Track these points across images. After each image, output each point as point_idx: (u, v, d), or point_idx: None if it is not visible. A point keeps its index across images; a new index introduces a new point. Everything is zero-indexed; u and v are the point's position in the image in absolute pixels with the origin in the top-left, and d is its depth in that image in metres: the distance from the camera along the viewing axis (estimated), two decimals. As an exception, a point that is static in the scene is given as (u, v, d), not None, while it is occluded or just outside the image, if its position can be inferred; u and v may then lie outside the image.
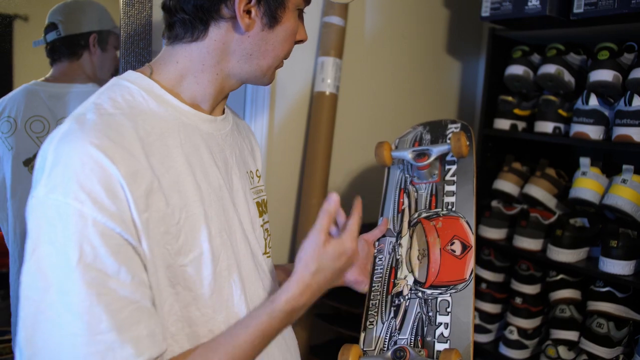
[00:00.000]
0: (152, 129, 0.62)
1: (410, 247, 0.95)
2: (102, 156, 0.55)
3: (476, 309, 1.56)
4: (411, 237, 0.96)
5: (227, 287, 0.68)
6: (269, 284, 0.78)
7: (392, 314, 0.88)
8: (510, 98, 1.56)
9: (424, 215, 0.98)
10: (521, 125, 1.57)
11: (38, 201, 0.55)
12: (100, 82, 1.26)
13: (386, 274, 0.94)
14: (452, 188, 0.99)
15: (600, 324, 1.31)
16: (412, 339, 0.84)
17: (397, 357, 0.78)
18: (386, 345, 0.85)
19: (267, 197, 0.90)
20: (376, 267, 0.96)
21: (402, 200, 1.02)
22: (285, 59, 0.75)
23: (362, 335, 0.87)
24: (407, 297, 0.89)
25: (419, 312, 0.86)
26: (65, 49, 1.22)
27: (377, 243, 1.00)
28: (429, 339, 0.83)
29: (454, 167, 1.02)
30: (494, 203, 1.56)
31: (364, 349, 0.85)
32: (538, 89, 1.55)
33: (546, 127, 1.47)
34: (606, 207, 1.32)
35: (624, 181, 1.30)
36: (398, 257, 0.95)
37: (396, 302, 0.89)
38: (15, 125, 1.16)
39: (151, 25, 1.14)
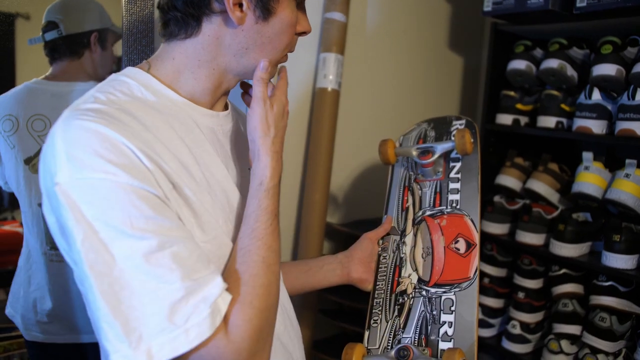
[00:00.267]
0: (152, 122, 0.62)
1: (414, 246, 0.95)
2: (110, 131, 0.56)
3: (479, 304, 1.56)
4: (415, 235, 0.96)
5: None
6: None
7: (396, 313, 0.88)
8: (512, 93, 1.56)
9: (428, 213, 0.98)
10: (524, 120, 1.57)
11: (65, 187, 0.54)
12: (101, 79, 1.26)
13: (390, 272, 0.94)
14: (457, 186, 0.99)
15: (603, 318, 1.31)
16: (416, 337, 0.84)
17: (400, 357, 0.78)
18: (390, 344, 0.85)
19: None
20: (380, 266, 0.96)
21: (406, 198, 1.02)
22: (289, 51, 0.74)
23: (366, 333, 0.88)
24: (411, 296, 0.89)
25: (423, 311, 0.86)
26: (67, 48, 1.21)
27: (381, 241, 1.00)
28: (432, 337, 0.83)
29: (458, 165, 1.01)
30: (497, 198, 1.56)
31: (368, 348, 0.86)
32: (541, 83, 1.55)
33: (549, 121, 1.46)
34: (609, 201, 1.32)
35: (626, 175, 1.30)
36: (402, 255, 0.95)
37: (400, 300, 0.89)
38: (17, 124, 1.16)
39: (153, 22, 1.13)
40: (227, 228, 0.68)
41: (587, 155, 1.39)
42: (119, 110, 0.60)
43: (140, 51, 1.11)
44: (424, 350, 0.82)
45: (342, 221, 1.62)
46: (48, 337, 1.18)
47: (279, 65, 0.76)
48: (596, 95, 1.35)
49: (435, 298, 0.87)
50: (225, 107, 0.77)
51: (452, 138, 1.02)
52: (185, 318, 0.54)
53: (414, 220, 0.98)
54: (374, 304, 0.91)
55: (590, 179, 1.37)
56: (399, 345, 0.80)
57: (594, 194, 1.36)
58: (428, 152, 1.00)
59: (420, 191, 1.02)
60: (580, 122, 1.37)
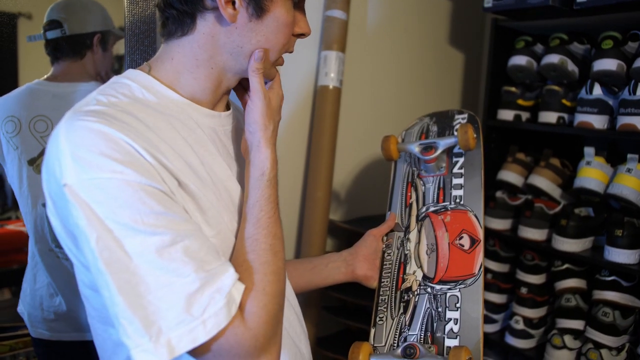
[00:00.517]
0: (154, 123, 0.62)
1: (418, 242, 0.95)
2: (113, 130, 0.56)
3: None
4: (419, 231, 0.96)
5: None
6: None
7: (401, 310, 0.88)
8: (513, 89, 1.56)
9: (432, 209, 0.98)
10: (525, 115, 1.57)
11: (74, 188, 0.55)
12: (101, 80, 1.26)
13: (395, 269, 0.94)
14: (460, 181, 0.99)
15: (606, 312, 1.31)
16: (422, 334, 0.84)
17: (407, 355, 0.79)
18: (396, 341, 0.85)
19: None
20: (385, 263, 0.96)
21: (409, 194, 1.02)
22: (287, 52, 0.73)
23: (372, 331, 0.88)
24: (416, 293, 0.89)
25: (428, 308, 0.86)
26: (70, 48, 1.21)
27: (385, 238, 1.00)
28: (438, 334, 0.83)
29: (461, 160, 1.01)
30: (499, 194, 1.56)
31: (374, 345, 0.86)
32: (541, 79, 1.55)
33: (550, 117, 1.46)
34: (611, 196, 1.32)
35: (628, 170, 1.30)
36: (407, 252, 0.95)
37: (405, 297, 0.89)
38: (19, 125, 1.16)
39: (155, 23, 1.13)
40: (232, 226, 0.68)
41: (589, 151, 1.39)
42: (121, 112, 0.60)
43: (142, 51, 1.11)
44: (430, 347, 0.82)
45: (345, 218, 1.62)
46: (54, 334, 1.18)
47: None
48: (597, 90, 1.35)
49: (440, 295, 0.87)
50: (227, 108, 0.77)
51: (455, 133, 1.02)
52: (202, 309, 0.55)
53: (417, 216, 0.98)
54: (379, 301, 0.91)
55: (592, 174, 1.37)
56: (405, 344, 0.80)
57: (596, 189, 1.36)
58: (431, 148, 1.00)
59: (423, 187, 1.02)
60: (581, 118, 1.37)
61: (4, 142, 1.17)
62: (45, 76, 1.22)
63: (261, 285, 0.62)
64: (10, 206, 1.42)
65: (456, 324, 0.83)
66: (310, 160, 1.45)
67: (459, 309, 0.85)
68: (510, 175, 1.55)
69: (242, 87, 0.76)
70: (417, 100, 1.74)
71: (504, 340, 1.54)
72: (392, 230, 1.00)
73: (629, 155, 1.32)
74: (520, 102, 1.56)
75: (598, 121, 1.35)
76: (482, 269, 0.87)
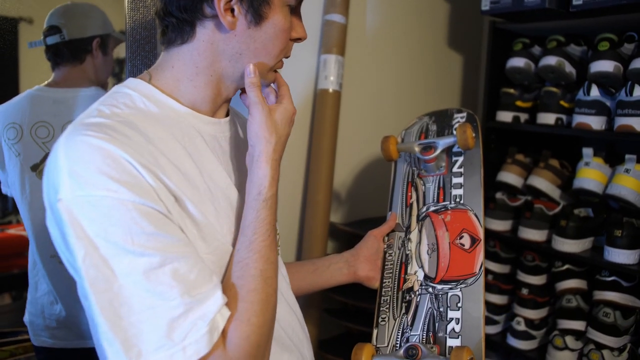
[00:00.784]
0: (155, 133, 0.63)
1: (419, 242, 0.95)
2: (112, 147, 0.56)
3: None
4: (420, 231, 0.97)
5: None
6: (280, 279, 0.79)
7: (403, 310, 0.88)
8: (512, 90, 1.57)
9: (432, 208, 0.98)
10: (523, 117, 1.58)
11: (67, 203, 0.55)
12: (101, 84, 1.26)
13: (396, 269, 0.94)
14: (460, 180, 0.99)
15: (607, 313, 1.32)
16: (424, 335, 0.84)
17: (409, 356, 0.79)
18: (398, 342, 0.85)
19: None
20: (386, 263, 0.96)
21: (409, 194, 1.03)
22: (285, 57, 0.74)
23: (375, 331, 0.88)
24: (417, 293, 0.89)
25: (430, 308, 0.87)
26: (69, 53, 1.22)
27: (386, 238, 1.00)
28: (440, 334, 0.83)
29: (460, 159, 1.02)
30: (498, 195, 1.57)
31: (377, 346, 0.86)
32: (539, 80, 1.56)
33: (548, 118, 1.47)
34: (610, 196, 1.33)
35: (626, 171, 1.31)
36: (408, 252, 0.95)
37: (407, 298, 0.90)
38: (21, 132, 1.17)
39: (155, 28, 1.14)
40: (232, 237, 0.68)
41: (587, 151, 1.40)
42: (122, 123, 0.60)
43: (143, 57, 1.12)
44: (432, 347, 0.82)
45: (346, 220, 1.63)
46: (56, 342, 1.18)
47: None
48: (594, 92, 1.36)
49: (441, 295, 0.87)
50: (227, 115, 0.77)
51: (454, 132, 1.03)
52: (183, 335, 0.55)
53: (418, 216, 0.99)
54: (381, 302, 0.91)
55: (591, 174, 1.38)
56: (408, 344, 0.80)
57: (595, 189, 1.37)
58: (430, 148, 1.01)
59: (423, 187, 1.02)
60: (579, 119, 1.38)
61: (6, 149, 1.18)
62: (46, 82, 1.22)
63: (246, 315, 0.61)
64: (10, 210, 1.42)
65: (458, 323, 0.84)
66: (311, 163, 1.46)
67: (461, 309, 0.85)
68: (510, 176, 1.56)
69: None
70: (417, 103, 1.75)
71: (505, 341, 1.54)
72: (393, 231, 1.00)
73: (627, 156, 1.33)
74: (518, 103, 1.57)
75: (596, 122, 1.36)
76: (482, 268, 0.88)
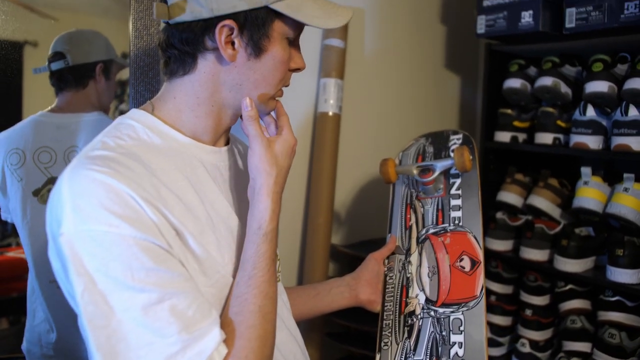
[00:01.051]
0: (157, 164, 0.64)
1: (420, 265, 0.95)
2: (115, 181, 0.57)
3: (487, 322, 1.55)
4: (420, 254, 0.97)
5: None
6: (281, 306, 0.79)
7: (406, 334, 0.88)
8: (509, 111, 1.58)
9: (431, 231, 0.99)
10: (521, 136, 1.59)
11: (70, 237, 0.56)
12: (104, 109, 1.28)
13: (398, 292, 0.94)
14: (458, 202, 1.00)
15: (612, 334, 1.30)
16: (428, 359, 0.84)
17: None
18: (402, 366, 0.85)
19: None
20: (387, 286, 0.96)
21: (409, 216, 1.03)
22: (284, 86, 0.76)
23: (378, 356, 0.88)
24: (419, 317, 0.89)
25: (432, 332, 0.86)
26: (73, 78, 1.24)
27: (386, 261, 1.00)
28: (444, 359, 0.83)
29: (458, 181, 1.03)
30: (499, 215, 1.57)
31: (380, 369, 0.86)
32: (536, 100, 1.57)
33: (546, 138, 1.48)
34: (610, 215, 1.33)
35: (625, 189, 1.31)
36: (408, 275, 0.95)
37: (409, 321, 0.89)
38: (24, 157, 1.18)
39: (159, 55, 1.16)
40: (233, 267, 0.69)
41: (586, 170, 1.40)
42: (126, 155, 0.62)
43: (147, 83, 1.14)
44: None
45: (347, 242, 1.63)
46: (53, 371, 1.17)
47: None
48: (590, 112, 1.37)
49: (443, 318, 0.87)
50: (227, 142, 0.79)
51: (451, 154, 1.04)
52: None
53: (417, 238, 0.99)
54: (384, 326, 0.91)
55: (590, 193, 1.38)
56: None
57: (595, 208, 1.37)
58: (428, 170, 1.02)
59: (422, 209, 1.03)
60: (576, 138, 1.39)
61: (8, 175, 1.18)
62: (50, 107, 1.24)
63: (244, 352, 0.61)
64: (10, 232, 1.42)
65: (461, 347, 0.83)
66: (312, 186, 1.46)
67: (463, 332, 0.84)
68: (510, 196, 1.56)
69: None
70: (416, 125, 1.76)
71: (510, 363, 1.52)
72: (393, 253, 1.01)
73: (625, 175, 1.33)
74: (516, 123, 1.58)
75: (593, 142, 1.37)
76: (483, 290, 0.88)
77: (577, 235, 1.39)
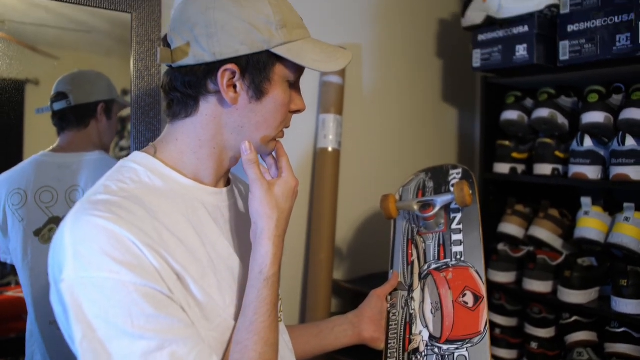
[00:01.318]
0: (159, 207, 0.65)
1: (422, 301, 0.95)
2: (117, 227, 0.58)
3: (493, 356, 1.53)
4: (423, 290, 0.96)
5: None
6: (283, 346, 0.78)
7: (410, 372, 0.87)
8: (507, 142, 1.60)
9: (433, 266, 0.98)
10: (520, 168, 1.60)
11: (71, 283, 0.56)
12: (105, 148, 1.29)
13: (401, 329, 0.93)
14: (459, 237, 1.00)
15: (620, 366, 1.28)
16: (433, 397, 0.83)
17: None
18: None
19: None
20: (390, 323, 0.95)
21: (410, 251, 1.03)
22: (285, 127, 0.77)
23: (382, 395, 0.86)
24: (424, 354, 0.88)
25: (437, 369, 0.85)
26: (75, 118, 1.25)
27: (389, 297, 1.00)
28: (449, 396, 0.82)
29: (459, 215, 1.03)
30: (500, 246, 1.56)
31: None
32: (533, 132, 1.59)
33: (545, 169, 1.49)
34: (612, 245, 1.32)
35: (626, 219, 1.31)
36: (412, 311, 0.95)
37: (413, 359, 0.88)
38: (25, 197, 1.18)
39: (160, 95, 1.18)
40: (234, 309, 0.69)
41: (586, 201, 1.40)
42: (128, 199, 0.62)
43: (148, 123, 1.16)
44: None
45: (349, 277, 1.61)
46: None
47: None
48: (588, 142, 1.38)
49: (448, 355, 0.86)
50: (228, 182, 0.79)
51: (451, 189, 1.04)
52: None
53: (420, 274, 0.99)
54: (387, 364, 0.90)
55: (591, 223, 1.38)
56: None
57: (597, 238, 1.36)
58: (429, 206, 1.02)
59: (424, 244, 1.03)
60: (575, 169, 1.40)
61: (10, 215, 1.19)
62: (51, 147, 1.25)
63: None
64: (9, 271, 1.42)
65: (466, 385, 0.82)
66: (312, 222, 1.46)
67: (468, 370, 0.83)
68: (511, 227, 1.56)
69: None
70: (415, 157, 1.78)
71: (518, 398, 1.49)
72: (395, 289, 1.00)
73: (625, 204, 1.33)
74: (514, 155, 1.60)
75: (592, 172, 1.38)
76: (487, 326, 0.87)
77: (579, 265, 1.38)
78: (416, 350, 0.89)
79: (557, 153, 1.49)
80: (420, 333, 0.91)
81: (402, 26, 1.73)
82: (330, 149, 1.46)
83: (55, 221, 1.19)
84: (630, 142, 1.29)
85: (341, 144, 1.50)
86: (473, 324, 0.88)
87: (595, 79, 1.44)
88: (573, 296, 1.36)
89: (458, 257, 0.97)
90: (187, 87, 0.69)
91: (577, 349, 1.39)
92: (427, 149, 1.83)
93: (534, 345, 1.47)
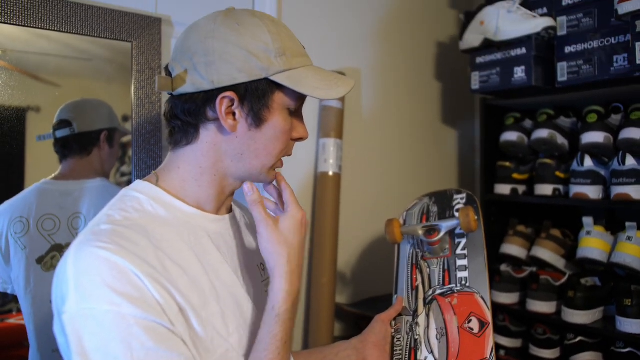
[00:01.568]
0: (162, 236, 0.65)
1: (427, 326, 0.94)
2: (120, 259, 0.58)
3: (497, 379, 1.51)
4: (428, 315, 0.96)
5: None
6: None
7: (417, 401, 0.86)
8: (507, 163, 1.60)
9: (438, 291, 0.98)
10: (521, 188, 1.60)
11: (72, 315, 0.56)
12: (106, 175, 1.29)
13: (406, 355, 0.92)
14: (464, 262, 1.00)
15: (627, 388, 1.27)
16: None
17: None
18: None
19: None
20: (395, 348, 0.95)
21: (415, 276, 1.03)
22: (286, 155, 0.76)
23: None
24: (430, 382, 0.87)
25: (444, 397, 0.84)
26: (78, 145, 1.25)
27: (393, 322, 0.99)
28: None
29: (464, 241, 1.03)
30: (503, 267, 1.56)
31: None
32: (533, 152, 1.60)
33: (546, 189, 1.50)
34: (615, 265, 1.32)
35: (629, 238, 1.31)
36: (416, 337, 0.94)
37: (420, 387, 0.87)
38: (27, 225, 1.18)
39: (161, 123, 1.19)
40: (238, 336, 0.68)
41: (588, 221, 1.41)
42: (131, 229, 0.63)
43: (149, 150, 1.16)
44: None
45: (351, 300, 1.61)
46: None
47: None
48: (588, 162, 1.39)
49: (454, 382, 0.85)
50: (230, 209, 0.79)
51: (456, 214, 1.05)
52: None
53: (424, 299, 0.98)
54: (393, 391, 0.89)
55: (594, 243, 1.38)
56: None
57: (599, 258, 1.36)
58: (434, 231, 1.02)
59: (428, 269, 1.02)
60: (576, 189, 1.40)
61: (12, 243, 1.18)
62: (53, 175, 1.25)
63: None
64: (10, 299, 1.41)
65: (473, 412, 0.81)
66: (314, 247, 1.46)
67: (475, 397, 0.83)
68: (513, 248, 1.55)
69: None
70: (416, 180, 1.78)
71: (525, 422, 1.47)
72: (400, 314, 0.99)
73: (627, 224, 1.33)
74: (515, 176, 1.60)
75: (593, 192, 1.38)
76: (493, 353, 0.86)
77: (583, 285, 1.37)
78: (422, 377, 0.88)
79: (558, 173, 1.49)
80: (425, 359, 0.90)
81: (401, 50, 1.75)
82: (330, 173, 1.47)
83: (58, 249, 1.19)
84: (630, 161, 1.30)
85: (342, 167, 1.51)
86: (479, 350, 0.87)
87: (593, 99, 1.45)
88: (577, 316, 1.35)
89: (463, 282, 0.97)
90: (187, 114, 0.70)
91: (584, 371, 1.38)
92: (428, 172, 1.84)
93: (539, 367, 1.45)
